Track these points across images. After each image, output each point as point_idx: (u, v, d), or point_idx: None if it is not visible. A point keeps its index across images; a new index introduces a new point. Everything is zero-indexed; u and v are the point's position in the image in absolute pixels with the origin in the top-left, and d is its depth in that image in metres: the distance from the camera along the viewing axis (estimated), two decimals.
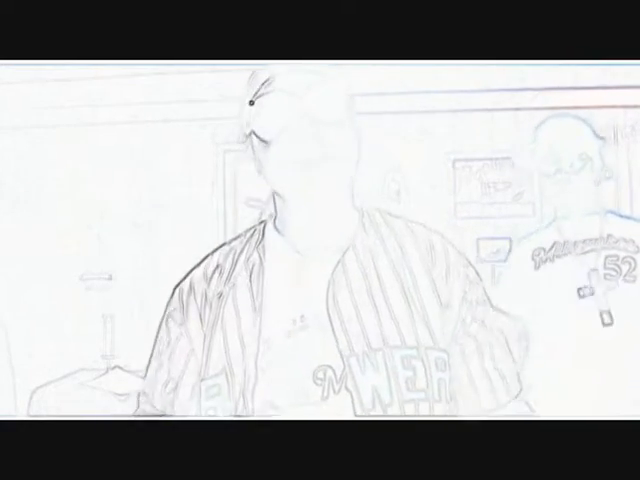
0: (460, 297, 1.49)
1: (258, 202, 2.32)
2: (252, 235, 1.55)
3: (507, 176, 2.52)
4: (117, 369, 2.46)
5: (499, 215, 2.50)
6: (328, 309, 1.44)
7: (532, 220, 2.45)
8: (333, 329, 1.44)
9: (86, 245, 2.50)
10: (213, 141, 2.53)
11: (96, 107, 2.50)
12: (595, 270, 2.18)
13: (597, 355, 2.12)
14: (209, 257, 1.55)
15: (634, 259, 2.18)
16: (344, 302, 1.45)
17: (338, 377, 1.42)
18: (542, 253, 2.23)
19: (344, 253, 1.48)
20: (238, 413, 1.43)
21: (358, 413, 1.41)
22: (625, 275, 2.17)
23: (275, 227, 1.52)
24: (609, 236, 2.21)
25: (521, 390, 1.52)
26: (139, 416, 1.56)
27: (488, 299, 1.55)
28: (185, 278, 1.55)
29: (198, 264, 1.55)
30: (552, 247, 2.23)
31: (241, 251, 1.53)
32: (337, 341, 1.43)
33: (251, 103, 1.47)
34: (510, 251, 2.35)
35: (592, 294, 2.16)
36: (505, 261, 2.33)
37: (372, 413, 1.40)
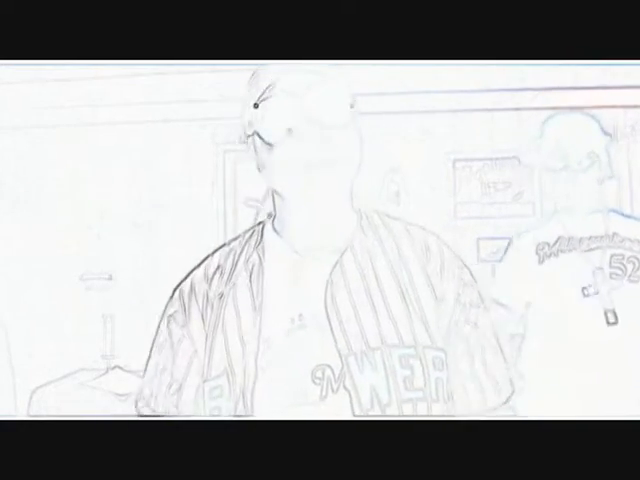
0: (454, 299, 1.50)
1: (256, 202, 2.32)
2: (251, 236, 1.55)
3: (507, 176, 2.52)
4: (117, 369, 2.46)
5: (499, 215, 2.50)
6: (326, 309, 1.45)
7: (532, 220, 2.45)
8: (331, 328, 1.44)
9: (86, 245, 2.50)
10: (213, 141, 2.53)
11: (96, 107, 2.50)
12: (600, 269, 2.17)
13: (600, 354, 2.12)
14: (209, 258, 1.56)
15: (639, 259, 2.17)
16: (342, 302, 1.46)
17: (336, 376, 1.42)
18: (546, 247, 2.22)
19: (342, 254, 1.49)
20: (238, 413, 1.43)
21: (357, 413, 1.41)
22: (630, 275, 2.17)
23: (274, 228, 1.52)
24: (614, 234, 2.20)
25: (512, 394, 1.52)
26: (140, 416, 1.56)
27: (482, 301, 1.55)
28: (185, 279, 1.55)
29: (198, 265, 1.55)
30: (557, 242, 2.22)
31: (241, 252, 1.54)
32: (335, 340, 1.44)
33: (255, 106, 1.47)
34: (506, 251, 2.34)
35: (596, 293, 2.16)
36: (500, 261, 2.33)
37: (370, 413, 1.41)
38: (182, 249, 2.36)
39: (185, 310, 1.52)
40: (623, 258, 2.18)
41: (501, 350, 1.54)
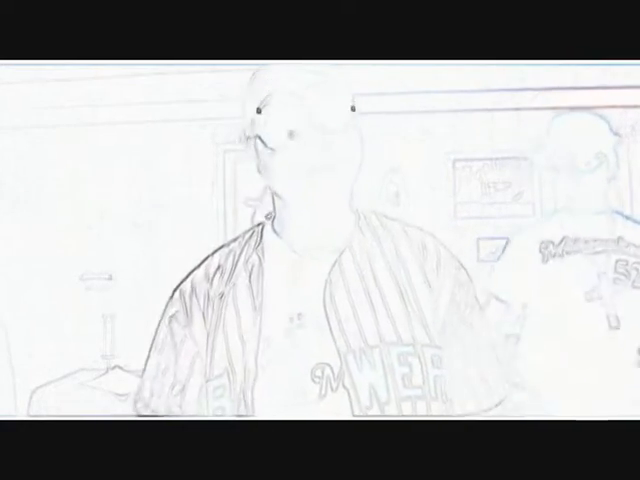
0: (449, 298, 1.51)
1: (254, 201, 2.33)
2: (250, 237, 1.56)
3: (507, 176, 2.52)
4: (117, 369, 2.46)
5: (499, 215, 2.50)
6: (325, 308, 1.46)
7: (532, 220, 2.45)
8: (330, 327, 1.45)
9: (86, 245, 2.50)
10: (213, 141, 2.53)
11: (96, 107, 2.50)
12: (604, 273, 2.16)
13: (598, 355, 2.12)
14: (209, 258, 1.56)
15: None
16: (341, 301, 1.46)
17: (336, 375, 1.43)
18: (551, 246, 2.21)
19: (341, 254, 1.49)
20: (239, 412, 1.43)
21: (356, 412, 1.41)
22: (634, 281, 2.15)
23: (273, 229, 1.53)
24: (620, 239, 2.19)
25: (505, 398, 1.53)
26: (140, 416, 1.56)
27: (478, 302, 1.56)
28: (185, 280, 1.55)
29: (197, 266, 1.56)
30: (562, 242, 2.21)
31: (240, 252, 1.54)
32: (334, 339, 1.44)
33: (258, 111, 1.47)
34: (506, 247, 2.32)
35: (600, 298, 2.15)
36: (501, 256, 2.32)
37: (370, 411, 1.41)
38: (182, 249, 2.36)
39: (187, 310, 1.52)
40: (627, 264, 2.17)
41: (495, 353, 1.54)
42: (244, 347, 1.46)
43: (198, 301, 1.52)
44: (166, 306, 1.55)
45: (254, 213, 1.89)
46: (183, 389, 1.50)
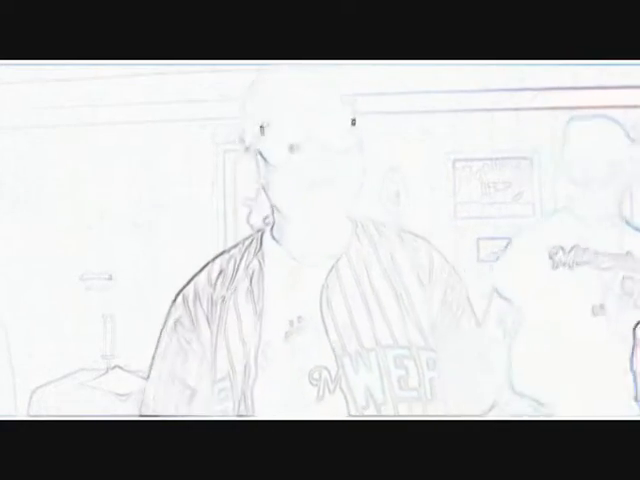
0: (440, 300, 1.52)
1: (251, 201, 2.33)
2: (250, 243, 1.59)
3: (507, 176, 2.52)
4: (117, 369, 2.46)
5: (499, 215, 2.50)
6: (322, 312, 1.47)
7: (532, 220, 2.45)
8: (327, 331, 1.46)
9: (86, 245, 2.50)
10: (213, 141, 2.53)
11: (96, 107, 2.50)
12: (611, 289, 2.13)
13: (597, 356, 2.12)
14: (210, 264, 1.58)
15: None
16: (337, 305, 1.48)
17: (333, 377, 1.44)
18: (560, 253, 2.17)
19: (338, 260, 1.51)
20: (240, 413, 1.44)
21: (352, 413, 1.42)
22: (636, 299, 2.13)
23: (272, 236, 1.56)
24: (628, 253, 2.16)
25: (496, 404, 1.53)
26: (141, 416, 1.56)
27: (471, 305, 1.57)
28: (187, 285, 1.56)
29: (199, 271, 1.57)
30: (572, 250, 2.16)
31: (241, 258, 1.57)
32: (331, 342, 1.45)
33: (261, 129, 1.48)
34: (508, 246, 2.30)
35: (604, 314, 2.12)
36: (505, 253, 2.31)
37: (366, 412, 1.42)
38: (182, 249, 2.37)
39: (191, 315, 1.53)
40: (633, 281, 2.14)
41: (487, 358, 1.55)
42: (245, 349, 1.47)
43: (202, 305, 1.53)
44: (168, 312, 1.56)
45: (250, 213, 1.88)
46: (193, 394, 1.51)
